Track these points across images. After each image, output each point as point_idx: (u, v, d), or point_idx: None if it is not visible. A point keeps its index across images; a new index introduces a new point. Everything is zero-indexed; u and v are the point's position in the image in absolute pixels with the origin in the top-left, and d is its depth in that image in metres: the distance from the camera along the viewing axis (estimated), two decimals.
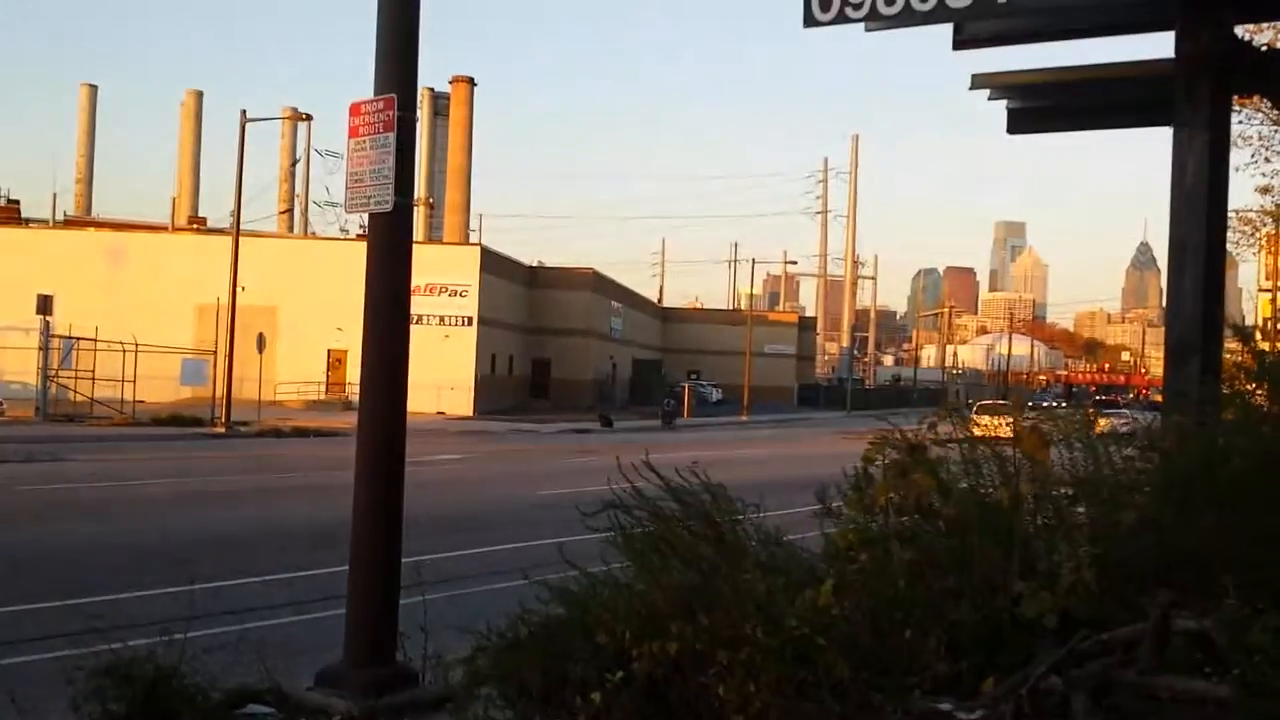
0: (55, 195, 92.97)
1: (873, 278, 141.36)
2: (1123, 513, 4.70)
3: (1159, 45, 7.29)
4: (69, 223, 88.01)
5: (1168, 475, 4.81)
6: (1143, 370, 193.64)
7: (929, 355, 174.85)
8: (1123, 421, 8.80)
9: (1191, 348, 6.56)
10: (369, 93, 7.24)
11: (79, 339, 44.17)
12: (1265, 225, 32.13)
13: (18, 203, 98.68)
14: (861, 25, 6.42)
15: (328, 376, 60.40)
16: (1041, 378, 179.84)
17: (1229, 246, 28.64)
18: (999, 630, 4.39)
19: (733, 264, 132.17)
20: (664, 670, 4.80)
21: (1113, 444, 5.20)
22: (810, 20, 6.36)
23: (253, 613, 10.48)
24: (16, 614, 10.56)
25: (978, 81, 7.93)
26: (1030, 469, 4.96)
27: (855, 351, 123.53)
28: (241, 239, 42.38)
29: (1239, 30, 7.82)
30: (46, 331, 43.14)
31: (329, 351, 59.66)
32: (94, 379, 43.91)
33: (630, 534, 5.70)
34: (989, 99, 8.19)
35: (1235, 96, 9.35)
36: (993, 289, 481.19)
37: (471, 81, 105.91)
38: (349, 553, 7.94)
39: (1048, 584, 4.45)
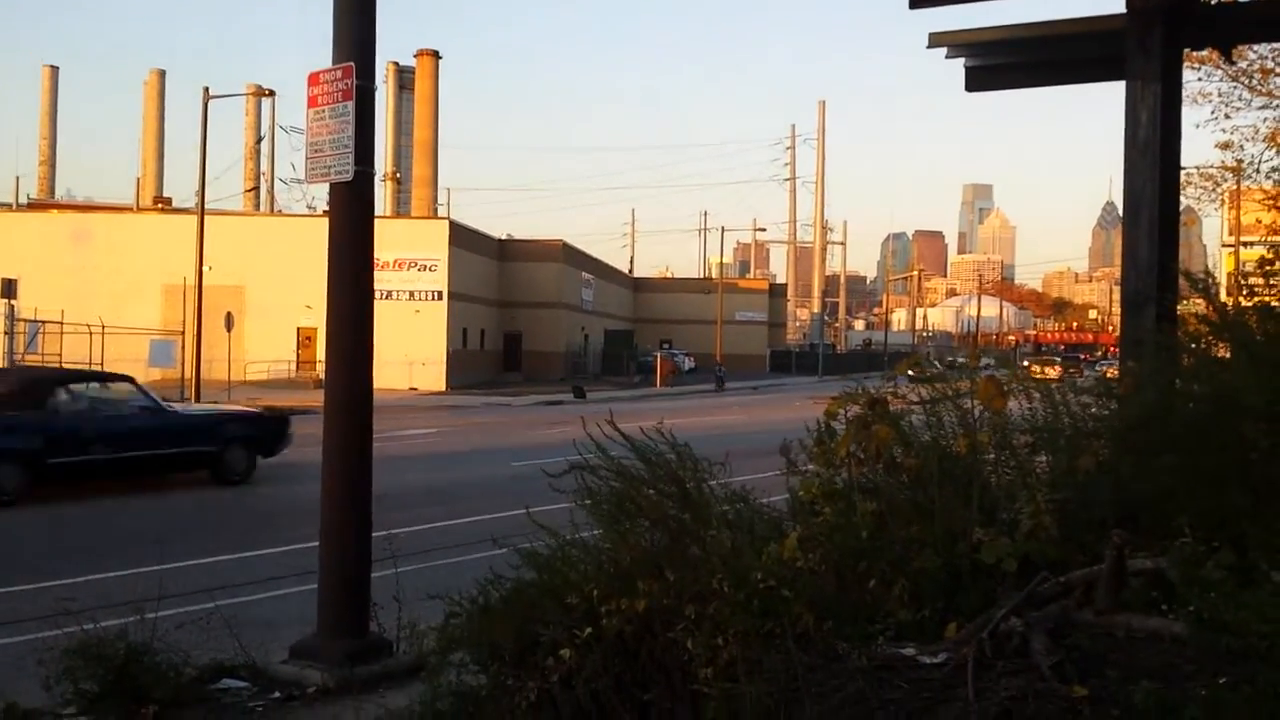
0: (18, 178, 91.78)
1: (842, 243, 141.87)
2: (1081, 459, 4.77)
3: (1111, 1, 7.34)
4: (32, 205, 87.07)
5: (1124, 420, 4.89)
6: (1110, 328, 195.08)
7: (899, 319, 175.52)
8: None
9: (1146, 297, 6.64)
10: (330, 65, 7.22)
11: (45, 322, 43.77)
12: (1226, 181, 32.41)
13: None
14: None
15: (298, 355, 60.10)
16: (1011, 338, 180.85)
17: (1191, 202, 28.86)
18: (960, 577, 4.46)
19: (703, 233, 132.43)
20: (633, 627, 4.86)
21: (1070, 392, 5.27)
22: None
23: (226, 590, 10.50)
24: None
25: (934, 40, 7.97)
26: (989, 419, 5.03)
27: (826, 317, 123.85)
28: (207, 218, 42.05)
29: None
30: (11, 315, 42.69)
31: (299, 329, 59.35)
32: (61, 362, 43.53)
33: (597, 495, 5.74)
34: (946, 57, 8.23)
35: (1188, 50, 9.41)
36: (961, 251, 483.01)
37: (436, 55, 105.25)
38: (320, 520, 7.97)
39: (1008, 531, 4.53)
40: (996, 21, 8.15)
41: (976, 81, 8.42)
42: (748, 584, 4.52)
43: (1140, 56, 6.70)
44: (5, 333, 42.52)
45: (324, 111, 7.11)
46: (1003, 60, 8.48)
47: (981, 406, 4.89)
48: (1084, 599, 4.14)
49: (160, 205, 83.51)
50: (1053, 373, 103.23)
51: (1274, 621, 3.53)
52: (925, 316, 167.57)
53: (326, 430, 7.88)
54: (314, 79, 7.20)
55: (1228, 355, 4.91)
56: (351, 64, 6.98)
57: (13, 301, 42.60)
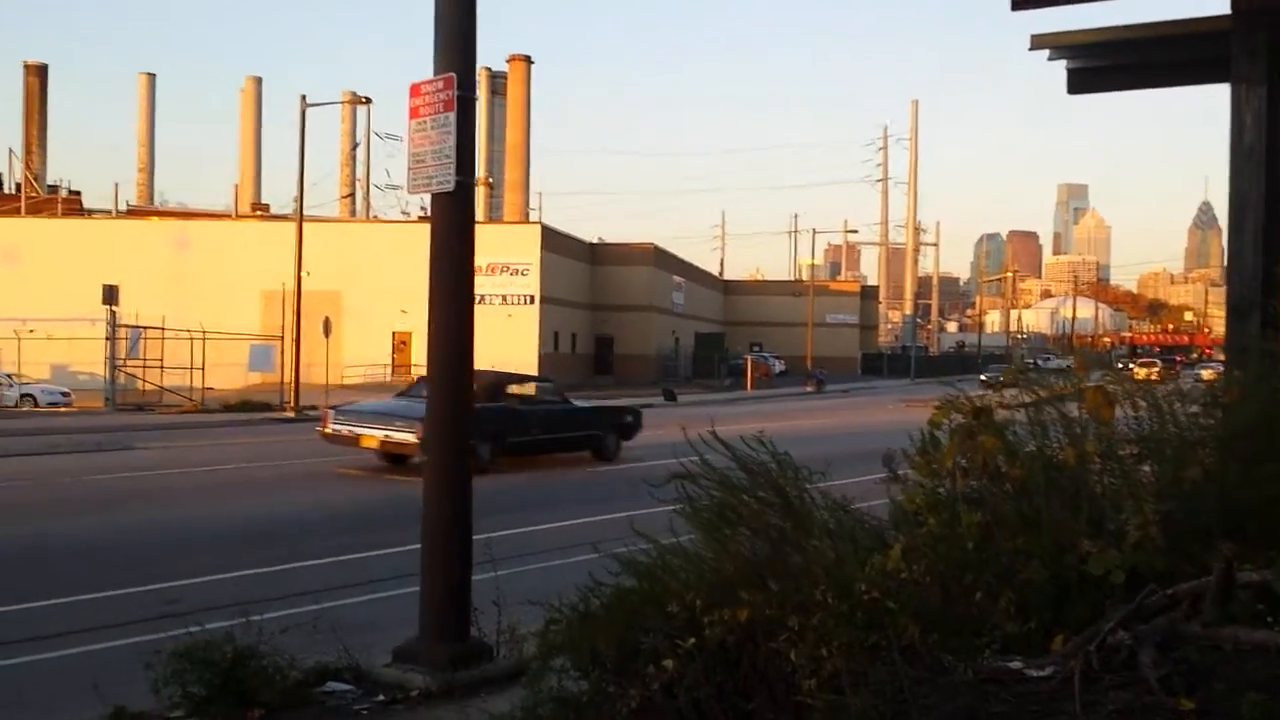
0: (117, 185, 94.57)
1: (935, 244, 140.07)
2: (1187, 469, 4.69)
3: (1218, 1, 7.19)
4: (132, 212, 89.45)
5: (1230, 429, 4.80)
6: (1206, 330, 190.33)
7: (993, 321, 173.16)
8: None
9: (1252, 303, 6.50)
10: (427, 74, 7.33)
11: (146, 328, 44.82)
12: None
13: (79, 194, 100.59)
14: None
15: (393, 358, 61.06)
16: (1106, 340, 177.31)
17: None
18: (1067, 589, 4.42)
19: (793, 235, 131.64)
20: (735, 637, 4.86)
21: (1177, 401, 5.19)
22: None
23: (328, 593, 10.67)
24: (95, 601, 10.82)
25: (1037, 42, 7.87)
26: (1095, 428, 4.96)
27: (918, 319, 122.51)
28: (305, 224, 42.84)
29: None
30: (113, 321, 43.81)
31: (394, 333, 60.29)
32: (162, 367, 44.62)
33: (698, 504, 5.76)
34: (1049, 59, 8.12)
35: None
36: (1056, 252, 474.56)
37: (528, 60, 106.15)
38: (422, 525, 8.08)
39: (1115, 542, 4.47)
40: (1100, 23, 8.03)
41: (1079, 84, 8.29)
42: (851, 595, 4.51)
43: (1245, 59, 6.56)
44: (107, 338, 43.70)
45: (426, 122, 7.22)
46: (1106, 62, 8.34)
47: (1088, 415, 4.82)
48: (1191, 611, 4.08)
49: (258, 212, 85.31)
50: (1152, 375, 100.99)
51: None
52: (1020, 318, 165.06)
53: (428, 437, 8.01)
54: (415, 90, 7.31)
55: None
56: (453, 75, 7.09)
57: (114, 308, 43.77)
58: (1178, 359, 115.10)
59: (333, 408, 23.89)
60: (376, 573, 11.99)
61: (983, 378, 64.47)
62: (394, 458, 22.09)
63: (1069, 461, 4.70)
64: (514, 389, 24.23)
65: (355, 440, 21.98)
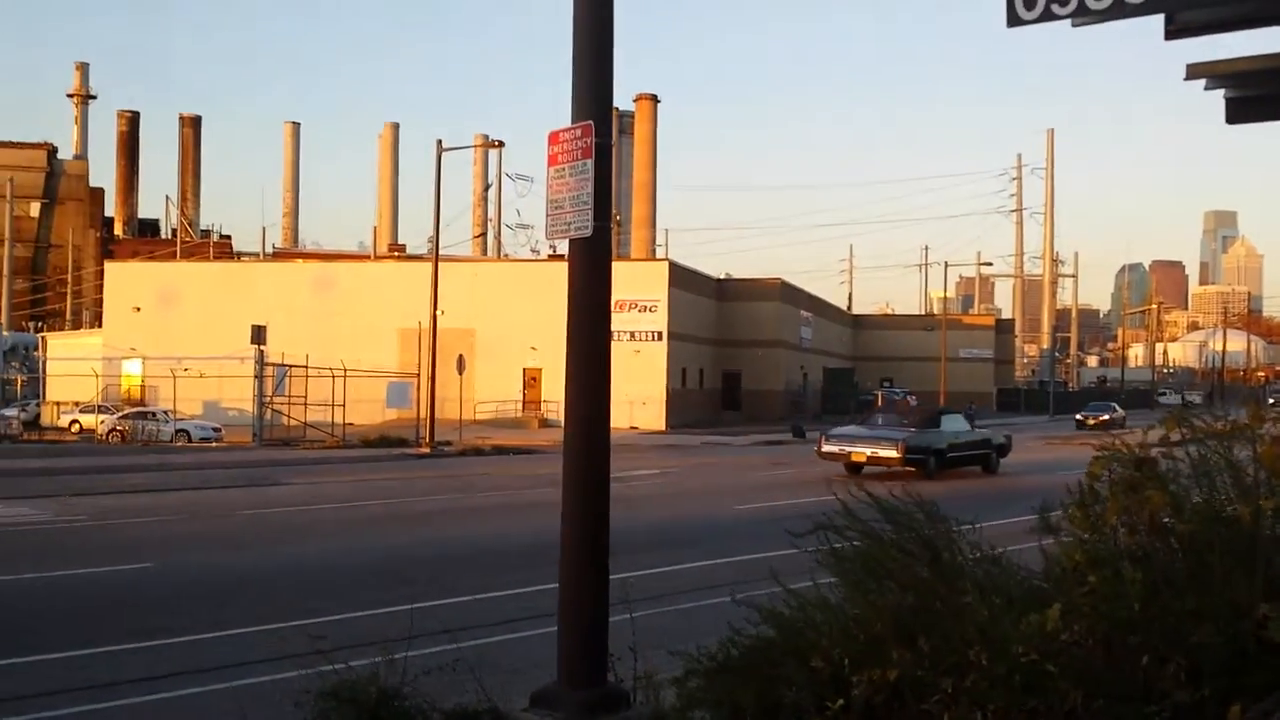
0: (265, 229, 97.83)
1: (1073, 275, 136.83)
2: None
3: None
4: (277, 255, 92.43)
5: None
6: None
7: (1136, 354, 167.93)
8: None
9: None
10: (554, 118, 7.36)
11: (291, 366, 46.19)
12: None
13: (230, 238, 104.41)
14: (1068, 21, 6.19)
15: (524, 395, 61.70)
16: (1260, 374, 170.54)
17: None
18: (1244, 654, 4.15)
19: (924, 267, 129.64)
20: (883, 696, 4.70)
21: None
22: (1014, 20, 6.15)
23: (466, 631, 10.71)
24: (246, 635, 11.05)
25: (1194, 71, 7.54)
26: (1270, 483, 4.67)
27: (1056, 353, 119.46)
28: (439, 264, 43.67)
29: None
30: (261, 360, 45.26)
31: (524, 370, 60.92)
32: (305, 404, 45.92)
33: (842, 554, 5.61)
34: (1205, 89, 7.78)
35: None
36: (1203, 282, 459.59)
37: (655, 99, 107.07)
38: (558, 571, 8.04)
39: None
40: (1258, 49, 7.68)
41: (1238, 113, 7.92)
42: (1007, 657, 4.32)
43: None
44: (255, 376, 45.12)
45: (564, 169, 7.23)
46: (1269, 90, 7.96)
47: (1264, 468, 4.55)
48: None
49: (395, 252, 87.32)
50: None
51: None
52: (1165, 352, 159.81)
53: (565, 484, 7.96)
54: (554, 138, 7.33)
55: None
56: (590, 123, 7.09)
57: (262, 347, 45.20)
58: None
59: (825, 434, 31.38)
60: (515, 612, 12.02)
61: (1077, 418, 61.23)
62: (852, 467, 28.58)
63: (1243, 518, 4.43)
64: (944, 416, 32.35)
65: (847, 456, 29.09)
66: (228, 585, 13.71)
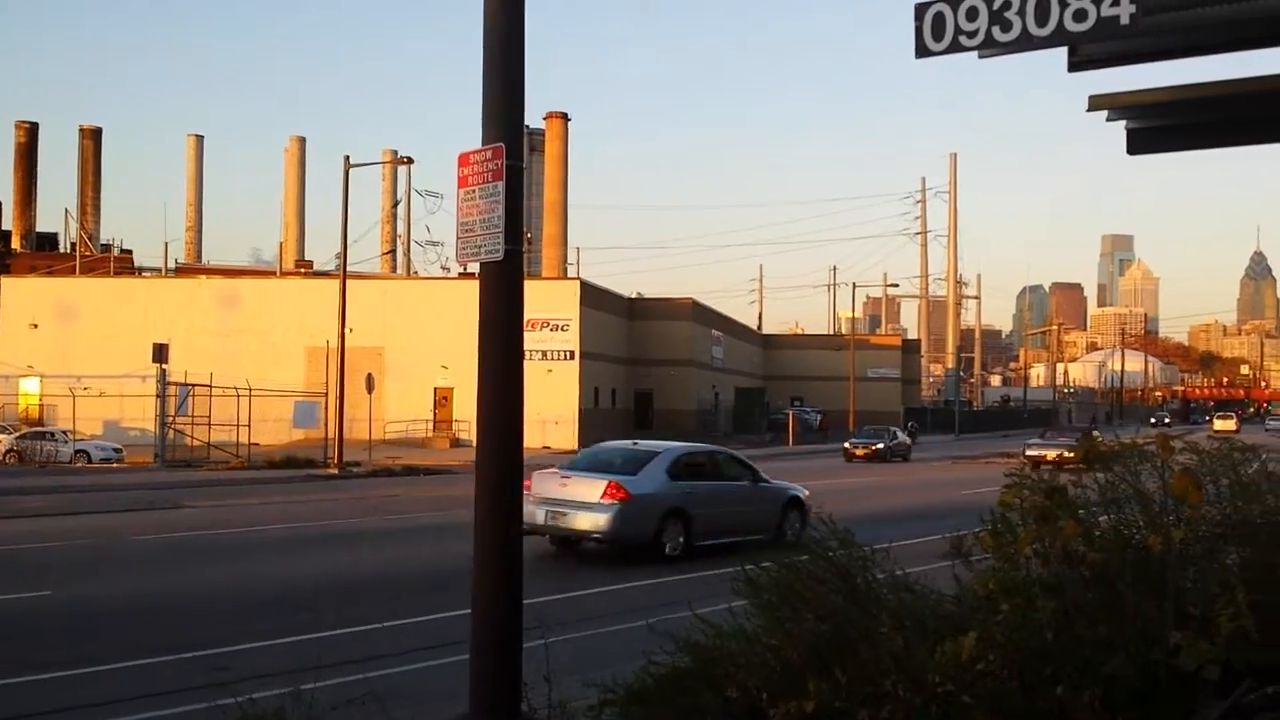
0: (167, 244, 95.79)
1: (976, 297, 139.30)
2: None
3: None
4: (180, 271, 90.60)
5: None
6: (1263, 383, 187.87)
7: (1038, 374, 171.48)
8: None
9: None
10: (466, 134, 7.27)
11: (194, 385, 45.25)
12: None
13: (130, 253, 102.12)
14: (974, 54, 6.26)
15: (435, 414, 61.12)
16: (1157, 394, 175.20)
17: None
18: (1156, 683, 4.18)
19: (832, 288, 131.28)
20: None
21: (1265, 481, 4.95)
22: (922, 51, 6.20)
23: (375, 661, 10.51)
24: (146, 667, 10.73)
25: (1096, 103, 7.68)
26: (1178, 510, 4.73)
27: (961, 373, 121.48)
28: (348, 281, 43.16)
29: None
30: (163, 379, 44.26)
31: (435, 389, 60.38)
32: (209, 424, 44.97)
33: (758, 582, 5.58)
34: (1108, 120, 7.94)
35: None
36: (1101, 304, 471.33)
37: (565, 117, 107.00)
38: (470, 597, 7.90)
39: (1205, 632, 4.23)
40: (1160, 81, 7.86)
41: (1139, 144, 8.10)
42: (924, 687, 4.31)
43: None
44: (157, 396, 44.09)
45: (474, 191, 7.13)
46: (1169, 122, 8.15)
47: (1175, 498, 4.60)
48: None
49: (302, 269, 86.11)
50: (1232, 425, 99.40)
51: None
52: (1065, 372, 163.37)
53: (477, 506, 7.84)
54: (464, 160, 7.23)
55: None
56: (502, 145, 7.00)
57: (164, 365, 44.20)
58: (1236, 413, 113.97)
59: (1028, 440, 37.51)
60: (426, 639, 11.81)
61: (845, 446, 57.21)
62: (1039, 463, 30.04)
63: (1154, 547, 4.47)
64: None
65: (1042, 459, 33.51)
66: (128, 614, 13.31)
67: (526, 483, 21.64)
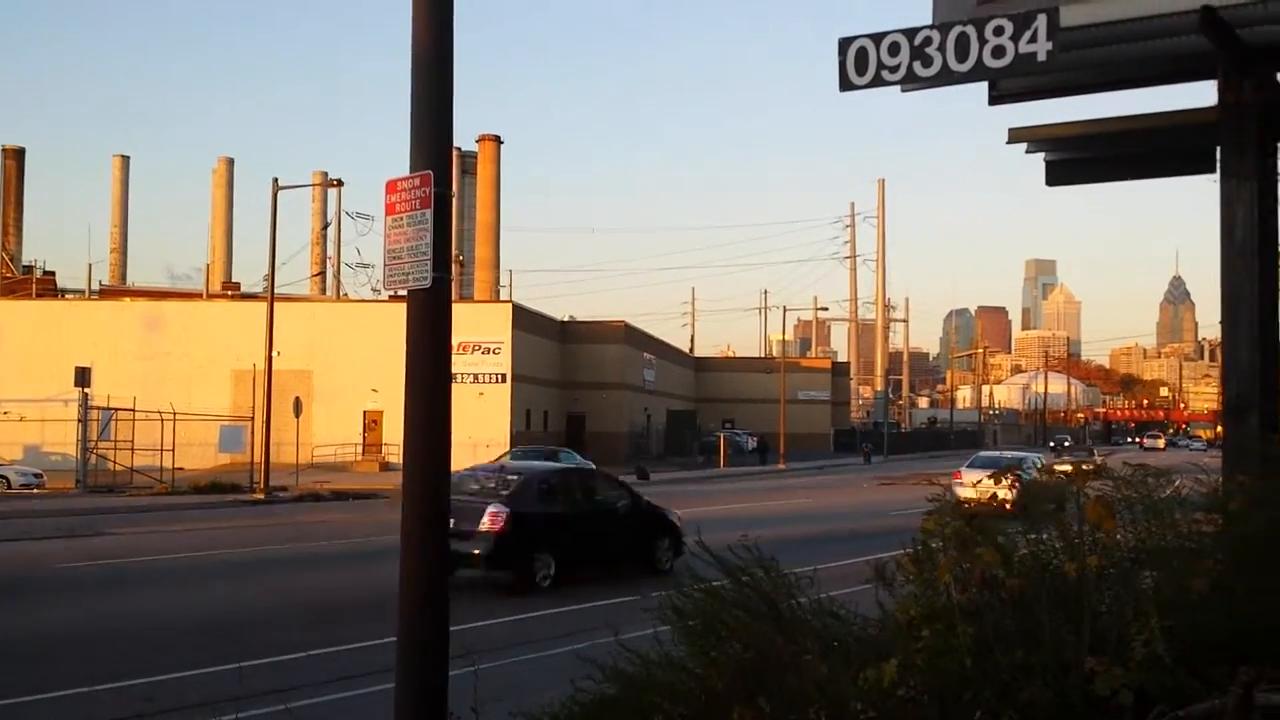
0: (90, 266, 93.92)
1: (905, 320, 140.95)
2: (1193, 580, 4.55)
3: (1199, 94, 7.20)
4: (104, 293, 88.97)
5: (1237, 539, 4.66)
6: (1182, 405, 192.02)
7: (964, 396, 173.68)
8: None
9: (1249, 403, 6.38)
10: (396, 157, 7.23)
11: (117, 409, 44.43)
12: None
13: (53, 274, 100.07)
14: (898, 87, 6.38)
15: (364, 438, 60.51)
16: (1079, 415, 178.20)
17: None
18: (1072, 709, 4.25)
19: (763, 311, 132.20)
20: None
21: (1178, 507, 5.06)
22: (846, 84, 6.31)
23: (299, 690, 10.38)
24: (64, 699, 10.52)
25: (1015, 135, 7.86)
26: (1095, 537, 4.82)
27: (890, 395, 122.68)
28: (276, 304, 42.66)
29: None
30: (85, 403, 43.43)
31: (365, 413, 59.81)
32: (133, 449, 44.15)
33: (683, 610, 5.59)
34: (1026, 152, 8.12)
35: None
36: (1025, 327, 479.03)
37: (498, 140, 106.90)
38: (397, 625, 7.83)
39: (1119, 658, 4.31)
40: (1075, 115, 8.05)
41: (1057, 176, 8.29)
42: (847, 714, 4.35)
43: (1233, 153, 6.54)
44: (79, 420, 43.24)
45: (402, 219, 7.10)
46: (1085, 155, 8.34)
47: (1090, 525, 4.69)
48: None
49: (229, 292, 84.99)
50: (1160, 445, 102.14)
51: None
52: (991, 394, 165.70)
53: (404, 534, 7.78)
54: (391, 186, 7.20)
55: None
56: (430, 173, 6.98)
57: (86, 390, 43.37)
58: (1158, 434, 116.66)
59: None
60: (351, 668, 11.69)
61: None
62: None
63: (1070, 573, 4.55)
64: None
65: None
66: (47, 643, 13.04)
67: None
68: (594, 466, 21.82)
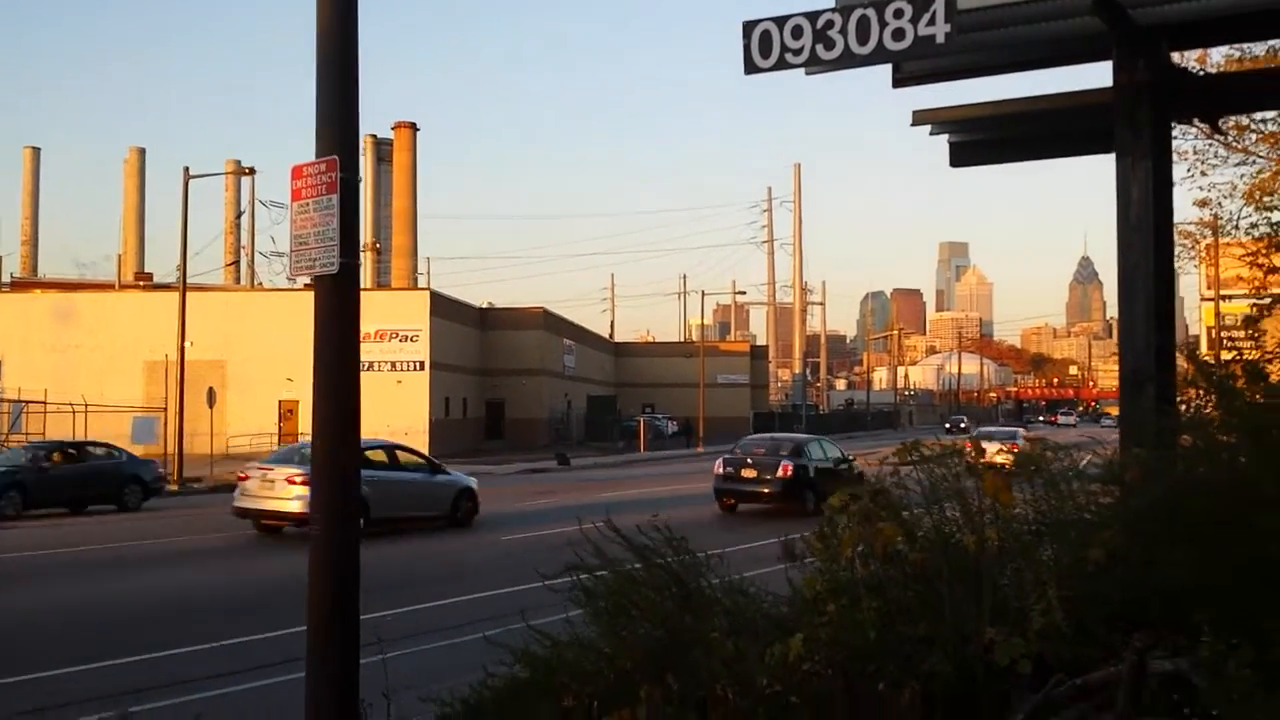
0: (1, 258, 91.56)
1: (822, 303, 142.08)
2: (1090, 550, 4.65)
3: (1097, 75, 7.33)
4: (15, 285, 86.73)
5: (1132, 511, 4.77)
6: (1091, 383, 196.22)
7: (881, 377, 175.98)
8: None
9: (1146, 376, 6.54)
10: (309, 145, 7.13)
11: (28, 402, 43.45)
12: (1205, 238, 32.69)
13: None
14: (801, 70, 6.42)
15: (280, 427, 59.68)
16: (992, 395, 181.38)
17: None
18: (973, 679, 4.33)
19: (682, 296, 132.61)
20: None
21: (1075, 479, 5.17)
22: (751, 67, 6.33)
23: (209, 680, 10.25)
24: None
25: (919, 118, 7.95)
26: (994, 509, 4.91)
27: (808, 377, 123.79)
28: (188, 294, 41.91)
29: (1176, 57, 7.90)
30: None
31: (280, 402, 59.01)
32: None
33: (594, 592, 5.60)
34: (930, 134, 8.22)
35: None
36: (939, 309, 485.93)
37: (414, 127, 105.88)
38: (306, 616, 7.75)
39: (1019, 628, 4.40)
40: (984, 96, 8.17)
41: (960, 157, 8.41)
42: (754, 690, 4.38)
43: (1129, 132, 6.68)
44: None
45: (308, 205, 7.01)
46: (987, 136, 8.47)
47: (988, 497, 4.77)
48: (1104, 702, 4.02)
49: (141, 282, 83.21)
50: (1072, 421, 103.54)
51: None
52: (906, 375, 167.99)
53: (312, 521, 7.71)
54: (297, 172, 7.10)
55: (1233, 440, 4.80)
56: (335, 158, 6.89)
57: None
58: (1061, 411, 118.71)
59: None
60: (262, 658, 11.55)
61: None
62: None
63: (969, 545, 4.63)
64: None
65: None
66: None
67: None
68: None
